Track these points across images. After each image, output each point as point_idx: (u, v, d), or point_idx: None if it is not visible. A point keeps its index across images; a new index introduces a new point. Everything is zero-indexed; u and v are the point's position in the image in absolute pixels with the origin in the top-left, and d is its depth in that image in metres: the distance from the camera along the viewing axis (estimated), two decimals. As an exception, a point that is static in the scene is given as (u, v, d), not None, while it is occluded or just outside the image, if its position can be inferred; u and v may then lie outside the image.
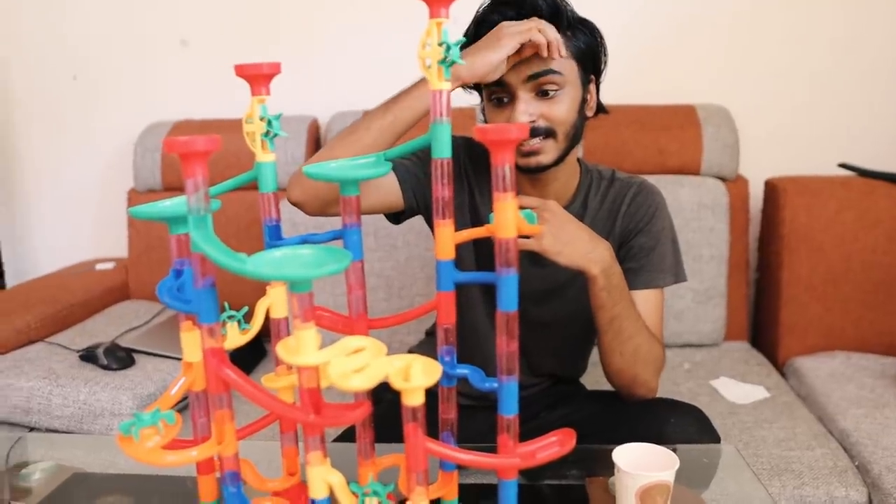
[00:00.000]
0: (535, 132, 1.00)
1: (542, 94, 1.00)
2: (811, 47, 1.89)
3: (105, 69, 2.07)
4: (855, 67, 1.89)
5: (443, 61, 0.59)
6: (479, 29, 1.00)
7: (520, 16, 0.98)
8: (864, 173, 1.75)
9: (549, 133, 1.01)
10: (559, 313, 1.15)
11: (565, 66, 1.00)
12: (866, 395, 1.46)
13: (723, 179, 1.78)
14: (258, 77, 0.63)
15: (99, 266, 2.02)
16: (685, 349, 1.74)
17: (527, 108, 0.99)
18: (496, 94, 1.02)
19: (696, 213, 1.71)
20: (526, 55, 0.97)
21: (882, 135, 1.91)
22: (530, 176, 1.06)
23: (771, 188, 1.78)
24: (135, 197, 1.95)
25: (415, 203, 1.10)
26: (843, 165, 1.79)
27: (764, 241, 1.84)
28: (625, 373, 1.05)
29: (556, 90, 1.00)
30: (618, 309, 0.99)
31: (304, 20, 1.98)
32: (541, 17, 0.98)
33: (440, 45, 0.58)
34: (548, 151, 1.02)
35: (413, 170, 1.09)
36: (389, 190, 1.08)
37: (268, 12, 1.98)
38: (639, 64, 1.88)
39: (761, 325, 1.85)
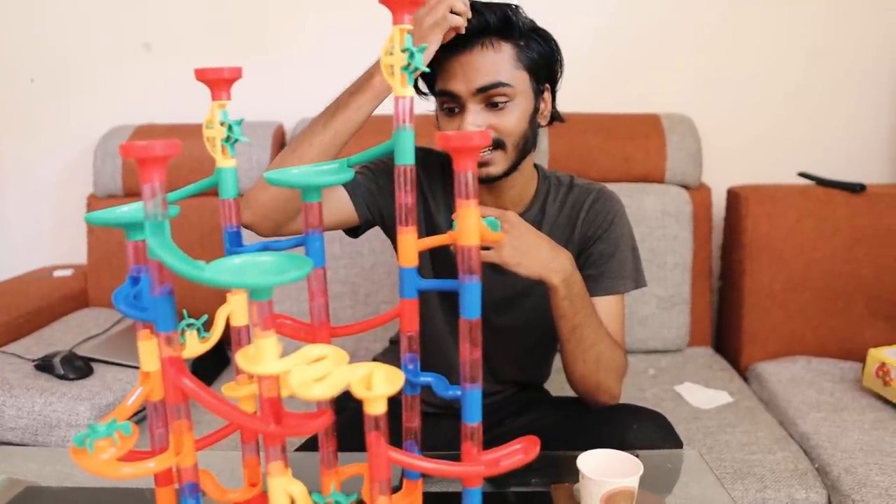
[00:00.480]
0: None
1: (492, 105, 1.00)
2: (773, 60, 1.93)
3: (66, 72, 2.02)
4: (815, 80, 1.94)
5: (406, 68, 0.58)
6: None
7: (468, 24, 0.96)
8: (822, 182, 1.79)
9: (497, 144, 1.01)
10: (520, 320, 1.15)
11: (516, 77, 1.00)
12: (826, 398, 1.49)
13: (686, 187, 1.81)
14: (218, 81, 0.63)
15: (57, 273, 1.96)
16: (650, 355, 1.76)
17: (475, 120, 0.99)
18: (447, 104, 1.03)
19: (660, 221, 1.74)
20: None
21: (840, 145, 1.96)
22: (486, 184, 1.06)
23: (733, 196, 1.82)
24: (94, 202, 1.90)
25: (370, 216, 1.09)
26: (802, 174, 1.83)
27: (726, 249, 1.87)
28: (588, 379, 1.05)
29: (505, 101, 1.00)
30: (579, 318, 1.00)
31: (271, 25, 1.96)
32: (490, 29, 0.98)
33: (403, 51, 0.58)
34: (497, 162, 1.02)
35: (365, 183, 1.08)
36: (341, 207, 1.07)
37: (233, 16, 1.96)
38: (606, 73, 1.91)
39: (724, 332, 1.88)
